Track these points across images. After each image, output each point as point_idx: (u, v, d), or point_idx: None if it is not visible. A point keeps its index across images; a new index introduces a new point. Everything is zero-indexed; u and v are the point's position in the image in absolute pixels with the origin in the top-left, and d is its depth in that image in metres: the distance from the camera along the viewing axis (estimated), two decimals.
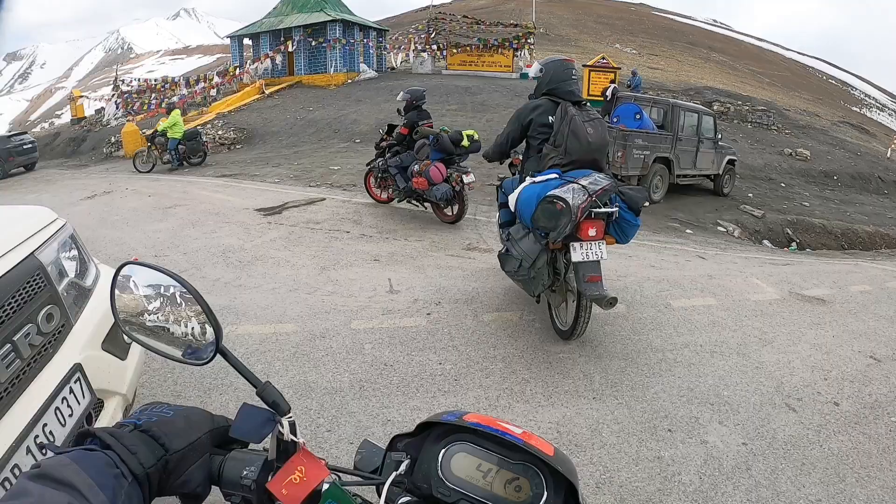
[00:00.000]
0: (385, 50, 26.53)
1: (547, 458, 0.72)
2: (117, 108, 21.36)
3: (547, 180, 3.45)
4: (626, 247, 4.48)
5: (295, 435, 0.77)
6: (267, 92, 22.03)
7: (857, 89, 59.31)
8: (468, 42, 24.64)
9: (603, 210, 3.33)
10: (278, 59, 23.60)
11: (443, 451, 0.75)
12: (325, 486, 0.74)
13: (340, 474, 0.78)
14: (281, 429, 0.77)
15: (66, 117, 24.66)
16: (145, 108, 21.70)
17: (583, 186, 3.26)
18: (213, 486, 0.77)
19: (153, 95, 22.30)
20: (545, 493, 0.70)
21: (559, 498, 0.71)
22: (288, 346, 3.75)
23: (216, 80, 23.47)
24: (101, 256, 6.55)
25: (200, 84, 23.15)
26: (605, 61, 18.19)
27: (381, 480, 0.76)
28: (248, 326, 4.05)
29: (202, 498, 0.76)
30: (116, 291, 0.91)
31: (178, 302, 0.87)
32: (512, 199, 3.72)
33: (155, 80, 24.38)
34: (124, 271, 0.91)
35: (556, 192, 3.26)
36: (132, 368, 2.14)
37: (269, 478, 0.75)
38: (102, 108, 22.32)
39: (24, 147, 16.77)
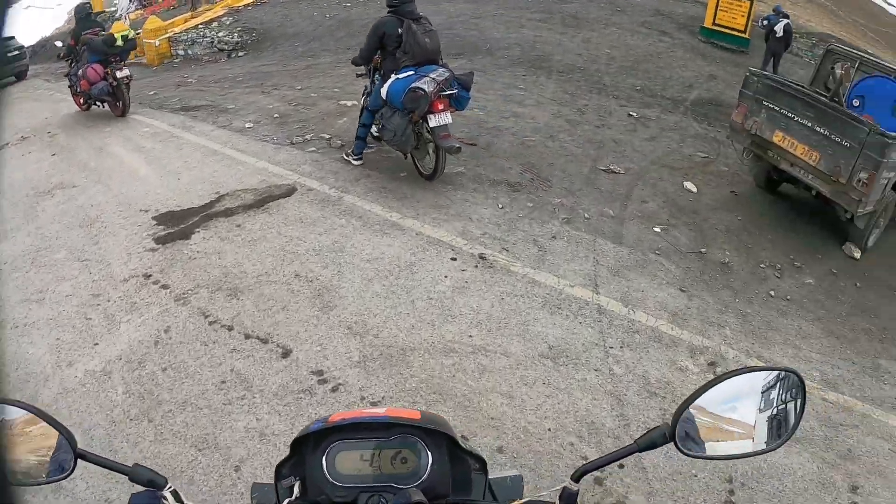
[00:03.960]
0: None
1: (415, 422, 0.80)
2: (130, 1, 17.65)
3: (408, 76, 4.91)
4: None
5: (181, 502, 0.80)
6: None
7: None
8: None
9: (447, 92, 4.96)
10: None
11: (323, 457, 0.80)
12: None
13: None
14: (166, 502, 0.78)
15: None
16: None
17: (433, 78, 4.84)
18: None
19: None
20: (428, 453, 0.79)
21: (442, 453, 0.80)
22: None
23: None
24: None
25: None
26: None
27: None
28: None
29: None
30: None
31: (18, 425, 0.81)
32: (383, 90, 5.07)
33: None
34: None
35: (417, 84, 4.77)
36: None
37: None
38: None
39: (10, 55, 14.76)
